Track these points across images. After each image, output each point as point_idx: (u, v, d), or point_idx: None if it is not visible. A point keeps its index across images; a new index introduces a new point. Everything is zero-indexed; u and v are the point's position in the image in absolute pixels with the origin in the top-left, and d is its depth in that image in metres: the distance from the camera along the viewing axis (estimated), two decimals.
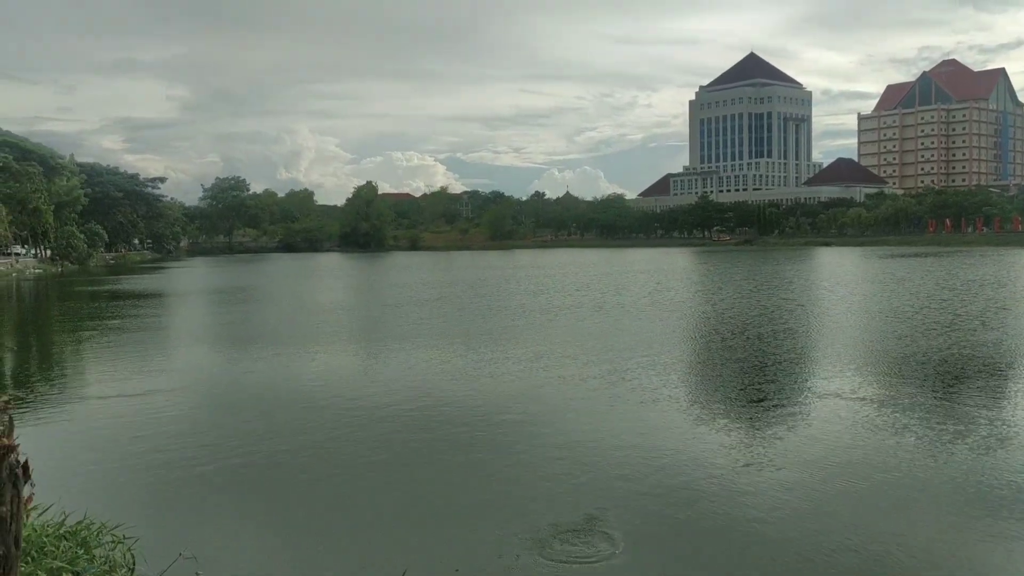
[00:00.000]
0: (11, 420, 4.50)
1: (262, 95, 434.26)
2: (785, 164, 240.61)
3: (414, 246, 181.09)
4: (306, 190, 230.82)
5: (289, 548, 8.72)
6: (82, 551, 7.27)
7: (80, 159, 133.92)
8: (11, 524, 4.46)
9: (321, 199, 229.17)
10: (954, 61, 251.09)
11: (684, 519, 9.24)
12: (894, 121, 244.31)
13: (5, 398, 4.57)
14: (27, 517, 5.13)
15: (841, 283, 48.19)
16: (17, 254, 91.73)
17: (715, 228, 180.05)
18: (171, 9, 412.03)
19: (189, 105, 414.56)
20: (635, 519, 9.23)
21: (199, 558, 7.66)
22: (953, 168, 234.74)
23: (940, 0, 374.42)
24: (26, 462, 4.63)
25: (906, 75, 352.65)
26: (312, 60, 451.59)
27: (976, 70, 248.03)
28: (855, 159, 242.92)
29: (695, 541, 8.69)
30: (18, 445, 4.50)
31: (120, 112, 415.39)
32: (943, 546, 8.51)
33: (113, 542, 7.82)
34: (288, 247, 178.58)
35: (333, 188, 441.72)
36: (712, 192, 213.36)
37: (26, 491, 4.67)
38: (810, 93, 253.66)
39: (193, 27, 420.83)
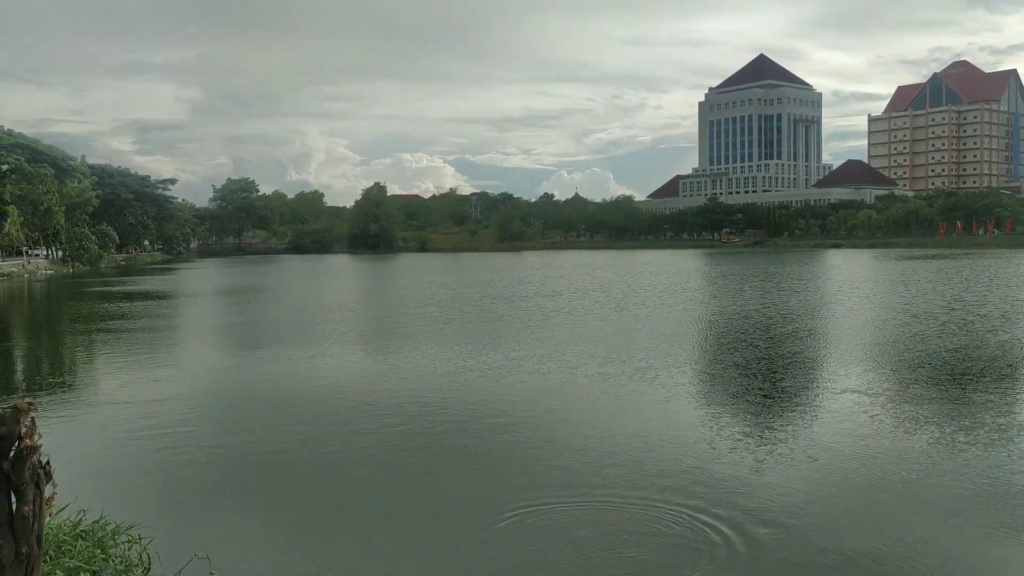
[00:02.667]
0: (34, 421, 4.57)
1: (272, 97, 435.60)
2: (795, 166, 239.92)
3: (423, 247, 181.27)
4: (315, 191, 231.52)
5: (304, 549, 8.77)
6: (99, 551, 7.35)
7: (91, 161, 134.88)
8: (33, 523, 4.54)
9: (330, 200, 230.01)
10: (965, 62, 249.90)
11: (698, 515, 9.25)
12: (904, 123, 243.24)
13: (27, 399, 4.64)
14: (48, 516, 5.20)
15: (858, 284, 48.04)
16: (33, 254, 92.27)
17: (724, 230, 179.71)
18: (182, 12, 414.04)
19: (199, 107, 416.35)
20: (649, 515, 9.25)
21: (213, 558, 7.73)
22: (964, 170, 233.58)
23: (951, 1, 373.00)
24: (48, 462, 4.71)
25: (916, 76, 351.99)
26: (322, 62, 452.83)
27: (987, 71, 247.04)
28: (865, 161, 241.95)
29: (710, 536, 8.70)
30: (40, 445, 4.57)
31: (131, 114, 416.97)
32: (963, 546, 8.52)
33: (129, 542, 7.89)
34: (297, 248, 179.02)
35: (342, 189, 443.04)
36: (721, 194, 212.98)
37: (47, 491, 4.74)
38: (820, 94, 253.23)
39: (204, 30, 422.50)
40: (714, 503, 9.73)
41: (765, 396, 16.62)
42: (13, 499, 4.49)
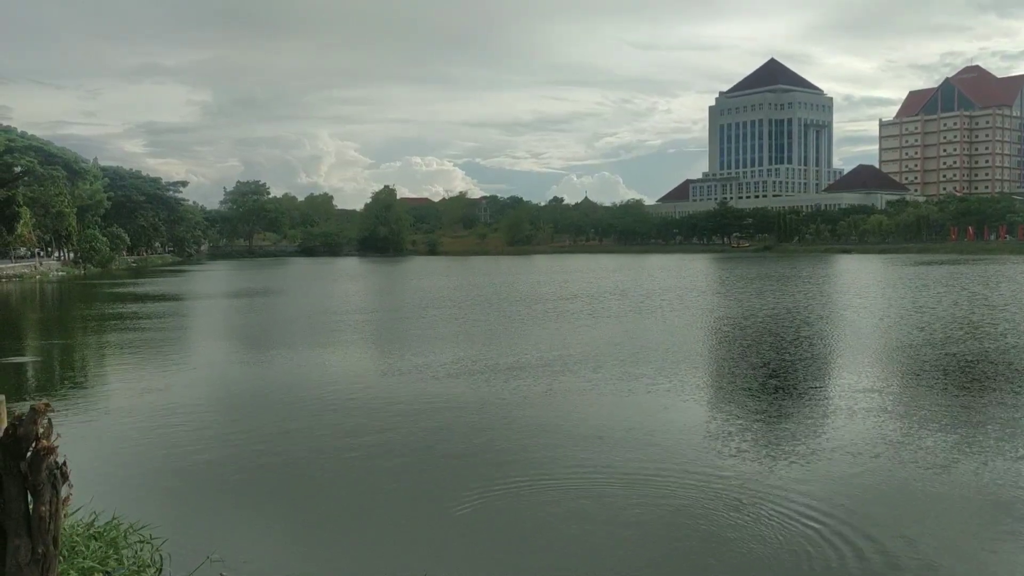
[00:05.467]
0: (50, 422, 4.61)
1: (283, 100, 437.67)
2: (805, 170, 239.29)
3: (432, 251, 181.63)
4: (325, 194, 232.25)
5: (315, 550, 8.80)
6: (112, 551, 7.40)
7: (103, 163, 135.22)
8: (50, 523, 4.57)
9: (340, 203, 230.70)
10: (977, 67, 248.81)
11: (713, 514, 9.25)
12: (916, 127, 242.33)
13: (44, 401, 4.68)
14: (63, 517, 5.24)
15: (878, 289, 47.89)
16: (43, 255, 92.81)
17: (734, 235, 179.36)
18: (194, 15, 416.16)
19: (211, 110, 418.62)
20: (661, 514, 9.25)
21: (226, 560, 7.76)
22: (976, 175, 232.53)
23: (963, 6, 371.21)
24: (64, 463, 4.74)
25: (928, 81, 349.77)
26: (333, 65, 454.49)
27: (999, 76, 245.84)
28: (876, 166, 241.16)
29: (719, 536, 8.69)
30: (57, 446, 4.61)
31: (143, 116, 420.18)
32: (970, 551, 8.48)
33: (141, 543, 7.95)
34: (307, 251, 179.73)
35: (352, 193, 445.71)
36: (732, 198, 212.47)
37: (64, 491, 4.77)
38: (831, 99, 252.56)
39: (215, 33, 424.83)
40: (732, 497, 9.73)
41: (792, 396, 16.80)
42: (30, 499, 4.53)
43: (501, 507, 10.07)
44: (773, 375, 19.30)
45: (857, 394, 16.51)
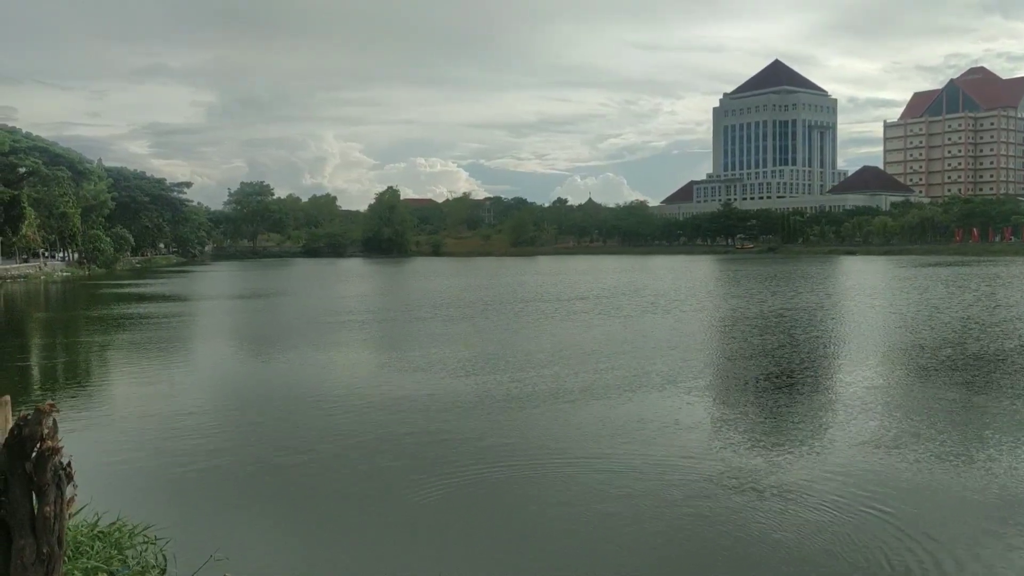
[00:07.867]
0: (55, 423, 4.61)
1: (288, 101, 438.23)
2: (810, 172, 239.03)
3: (436, 252, 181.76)
4: (329, 195, 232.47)
5: (319, 550, 8.80)
6: (116, 552, 7.40)
7: (108, 164, 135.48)
8: (55, 524, 4.58)
9: (344, 204, 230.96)
10: (982, 68, 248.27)
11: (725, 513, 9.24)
12: (921, 129, 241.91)
13: (50, 402, 4.68)
14: (68, 517, 5.24)
15: (891, 290, 47.85)
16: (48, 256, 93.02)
17: (739, 236, 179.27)
18: (198, 16, 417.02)
19: (215, 111, 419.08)
20: (665, 512, 9.24)
21: (229, 559, 7.77)
22: (980, 176, 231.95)
23: (968, 7, 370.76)
24: (69, 463, 4.74)
25: (933, 83, 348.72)
26: (338, 66, 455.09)
27: (1004, 78, 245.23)
28: (881, 167, 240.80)
29: (735, 531, 8.68)
30: (62, 447, 4.61)
31: (148, 117, 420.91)
32: (976, 552, 8.46)
33: (145, 543, 7.95)
34: (311, 252, 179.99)
35: (357, 194, 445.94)
36: (735, 199, 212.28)
37: (68, 492, 4.77)
38: (835, 100, 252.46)
39: (220, 34, 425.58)
40: (747, 491, 9.74)
41: (810, 391, 17.03)
42: (35, 500, 4.54)
43: (510, 505, 10.08)
44: (790, 372, 19.46)
45: (872, 390, 16.67)
